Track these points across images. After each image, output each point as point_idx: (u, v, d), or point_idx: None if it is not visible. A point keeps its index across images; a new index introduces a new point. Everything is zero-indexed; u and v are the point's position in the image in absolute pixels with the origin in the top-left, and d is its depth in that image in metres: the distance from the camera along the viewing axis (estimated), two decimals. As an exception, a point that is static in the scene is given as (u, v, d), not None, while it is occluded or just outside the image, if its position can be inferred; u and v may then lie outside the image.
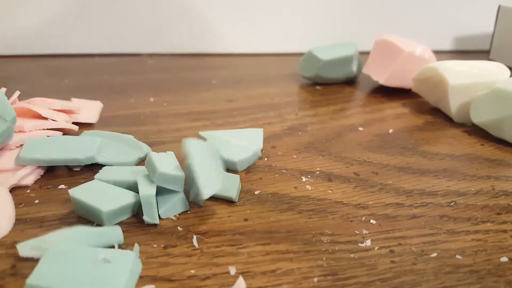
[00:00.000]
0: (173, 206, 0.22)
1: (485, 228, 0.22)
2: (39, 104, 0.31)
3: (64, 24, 0.48)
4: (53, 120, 0.29)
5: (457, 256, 0.20)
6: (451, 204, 0.24)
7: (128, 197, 0.22)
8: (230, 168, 0.26)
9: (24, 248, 0.19)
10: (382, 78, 0.40)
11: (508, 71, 0.34)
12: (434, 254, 0.20)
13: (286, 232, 0.21)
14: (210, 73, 0.45)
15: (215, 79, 0.43)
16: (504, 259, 0.20)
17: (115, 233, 0.20)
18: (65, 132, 0.29)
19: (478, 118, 0.32)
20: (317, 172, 0.26)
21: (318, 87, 0.42)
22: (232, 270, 0.19)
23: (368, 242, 0.21)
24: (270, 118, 0.34)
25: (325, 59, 0.40)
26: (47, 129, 0.28)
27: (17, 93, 0.30)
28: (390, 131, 0.33)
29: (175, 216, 0.22)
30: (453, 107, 0.34)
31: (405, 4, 0.55)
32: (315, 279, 0.18)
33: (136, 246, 0.19)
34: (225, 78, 0.43)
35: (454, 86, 0.33)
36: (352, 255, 0.20)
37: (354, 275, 0.19)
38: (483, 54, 0.53)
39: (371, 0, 0.54)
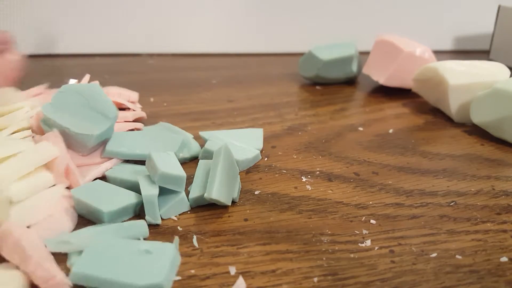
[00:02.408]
0: (174, 207, 0.22)
1: (485, 228, 0.22)
2: (113, 95, 0.32)
3: (64, 24, 0.48)
4: (133, 110, 0.31)
5: (457, 256, 0.20)
6: (451, 204, 0.24)
7: (130, 198, 0.22)
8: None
9: (53, 243, 0.19)
10: (382, 78, 0.40)
11: (508, 71, 0.34)
12: (434, 254, 0.20)
13: (286, 232, 0.21)
14: (210, 73, 0.45)
15: (215, 79, 0.43)
16: (504, 259, 0.20)
17: (141, 227, 0.20)
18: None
19: (478, 118, 0.32)
20: (317, 172, 0.26)
21: (318, 87, 0.42)
22: (232, 270, 0.18)
23: (368, 242, 0.21)
24: (270, 118, 0.34)
25: (325, 59, 0.40)
26: (129, 121, 0.29)
27: (87, 76, 0.31)
28: (390, 131, 0.33)
29: (176, 216, 0.22)
30: (453, 107, 0.34)
31: (405, 4, 0.55)
32: (315, 279, 0.18)
33: (176, 238, 0.19)
34: (225, 78, 0.43)
35: (454, 86, 0.33)
36: (352, 255, 0.20)
37: (354, 275, 0.19)
38: (483, 54, 0.53)
39: (371, 0, 0.54)
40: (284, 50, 0.54)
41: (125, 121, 0.29)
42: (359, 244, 0.20)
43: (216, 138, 0.28)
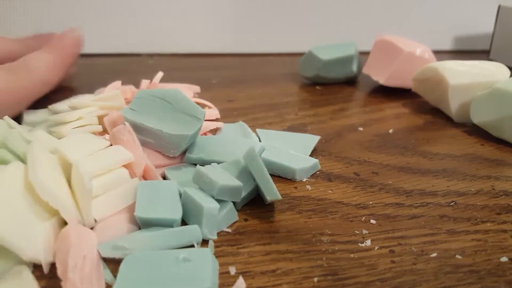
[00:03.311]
0: (225, 218, 0.21)
1: (485, 228, 0.22)
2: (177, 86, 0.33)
3: (64, 24, 0.48)
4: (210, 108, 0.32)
5: (457, 256, 0.20)
6: (451, 204, 0.24)
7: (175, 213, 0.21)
8: (287, 176, 0.25)
9: (106, 249, 0.18)
10: (382, 78, 0.40)
11: (508, 71, 0.34)
12: (434, 254, 0.20)
13: (286, 232, 0.21)
14: (210, 73, 0.45)
15: (215, 79, 0.43)
16: (504, 259, 0.20)
17: (195, 232, 0.20)
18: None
19: (478, 118, 0.32)
20: (317, 172, 0.26)
21: (318, 87, 0.42)
22: (232, 270, 0.18)
23: (368, 242, 0.21)
24: (270, 118, 0.34)
25: (325, 59, 0.40)
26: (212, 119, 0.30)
27: (160, 74, 0.33)
28: (390, 131, 0.33)
29: (228, 228, 0.21)
30: (453, 107, 0.34)
31: (405, 4, 0.55)
32: (315, 279, 0.18)
33: (211, 243, 0.19)
34: (225, 78, 0.43)
35: (454, 86, 0.33)
36: (352, 255, 0.20)
37: (354, 275, 0.19)
38: (483, 54, 0.53)
39: (371, 0, 0.54)
40: (284, 50, 0.54)
41: (207, 120, 0.30)
42: (359, 244, 0.20)
43: (269, 139, 0.29)
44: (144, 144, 0.25)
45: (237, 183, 0.21)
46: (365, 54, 0.43)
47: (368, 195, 0.24)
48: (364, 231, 0.21)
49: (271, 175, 0.23)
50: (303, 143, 0.29)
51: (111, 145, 0.24)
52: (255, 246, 0.20)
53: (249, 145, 0.26)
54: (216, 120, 0.32)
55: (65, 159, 0.21)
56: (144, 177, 0.23)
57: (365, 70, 0.42)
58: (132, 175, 0.23)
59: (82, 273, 0.17)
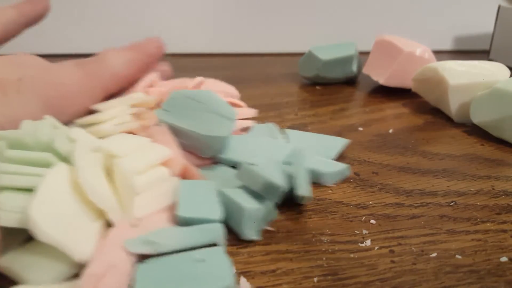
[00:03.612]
0: (265, 218, 0.21)
1: (485, 228, 0.22)
2: (213, 88, 0.32)
3: (64, 24, 0.48)
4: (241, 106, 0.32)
5: (457, 256, 0.20)
6: (451, 204, 0.24)
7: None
8: (314, 180, 0.25)
9: (135, 244, 0.18)
10: (382, 78, 0.40)
11: (508, 71, 0.34)
12: (434, 254, 0.20)
13: (286, 232, 0.21)
14: (210, 73, 0.45)
15: (215, 79, 0.43)
16: (504, 259, 0.20)
17: (217, 230, 0.19)
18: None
19: (478, 118, 0.32)
20: (317, 172, 0.26)
21: (318, 87, 0.42)
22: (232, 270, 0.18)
23: (368, 242, 0.21)
24: (270, 118, 0.34)
25: (325, 59, 0.40)
26: (244, 118, 0.30)
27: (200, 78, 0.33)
28: (390, 131, 0.33)
29: (268, 227, 0.21)
30: (453, 107, 0.34)
31: (405, 4, 0.55)
32: (315, 279, 0.18)
33: (221, 242, 0.19)
34: (225, 78, 0.43)
35: (454, 86, 0.33)
36: (352, 255, 0.20)
37: (354, 275, 0.19)
38: (483, 54, 0.53)
39: (371, 0, 0.54)
40: (284, 50, 0.54)
41: (239, 119, 0.30)
42: (359, 244, 0.20)
43: (297, 140, 0.29)
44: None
45: (281, 182, 0.21)
46: (365, 54, 0.43)
47: (368, 195, 0.24)
48: (364, 231, 0.21)
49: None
50: (330, 146, 0.29)
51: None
52: (255, 246, 0.20)
53: (278, 147, 0.26)
54: (249, 119, 0.32)
55: (107, 157, 0.21)
56: (183, 176, 0.23)
57: (365, 70, 0.42)
58: (170, 174, 0.22)
59: (102, 285, 0.16)
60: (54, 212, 0.17)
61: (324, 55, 0.40)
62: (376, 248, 0.20)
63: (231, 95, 0.34)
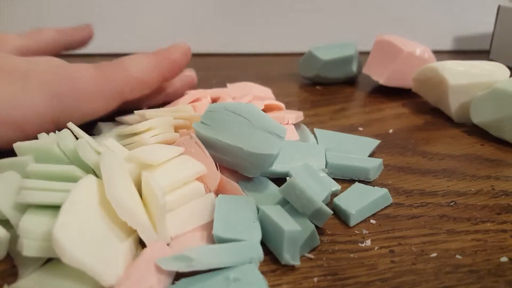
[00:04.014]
0: (308, 242, 0.20)
1: (485, 228, 0.22)
2: (242, 91, 0.32)
3: (63, 24, 0.48)
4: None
5: (457, 256, 0.20)
6: (451, 204, 0.24)
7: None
8: (360, 178, 0.25)
9: (168, 262, 0.17)
10: (382, 78, 0.40)
11: (508, 71, 0.34)
12: (434, 254, 0.20)
13: (286, 232, 0.21)
14: (210, 73, 0.45)
15: (215, 79, 0.43)
16: (504, 259, 0.20)
17: (255, 250, 0.18)
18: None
19: (478, 118, 0.32)
20: (317, 172, 0.26)
21: (318, 87, 0.42)
22: (232, 270, 0.18)
23: (368, 242, 0.21)
24: (270, 118, 0.34)
25: (325, 59, 0.40)
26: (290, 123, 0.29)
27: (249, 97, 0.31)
28: (390, 131, 0.33)
29: (310, 253, 0.20)
30: (453, 107, 0.34)
31: (405, 4, 0.55)
32: (315, 279, 0.18)
33: (256, 260, 0.18)
34: (225, 78, 0.43)
35: (454, 86, 0.33)
36: (352, 255, 0.20)
37: (354, 275, 0.19)
38: (483, 54, 0.53)
39: (371, 0, 0.54)
40: (284, 50, 0.54)
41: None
42: (359, 244, 0.20)
43: (326, 140, 0.28)
44: (218, 162, 0.23)
45: (330, 210, 0.20)
46: (365, 54, 0.43)
47: (368, 195, 0.24)
48: (364, 231, 0.21)
49: (340, 179, 0.24)
50: (360, 146, 0.28)
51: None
52: (255, 246, 0.20)
53: (316, 151, 0.26)
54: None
55: (139, 169, 0.20)
56: (220, 191, 0.22)
57: (365, 70, 0.42)
58: (206, 190, 0.21)
59: None
60: (80, 232, 0.16)
61: (324, 55, 0.40)
62: (376, 248, 0.20)
63: (267, 98, 0.33)
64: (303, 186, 0.20)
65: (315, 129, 0.30)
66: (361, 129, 0.33)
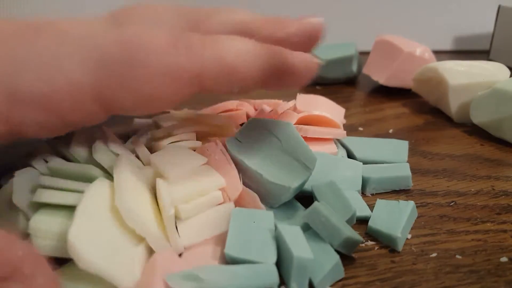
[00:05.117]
0: (331, 274, 0.18)
1: (485, 228, 0.22)
2: (309, 105, 0.28)
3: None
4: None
5: (457, 256, 0.20)
6: (451, 204, 0.24)
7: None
8: (401, 188, 0.25)
9: (177, 280, 0.16)
10: (382, 78, 0.40)
11: (508, 71, 0.34)
12: (434, 254, 0.20)
13: (286, 232, 0.21)
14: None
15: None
16: (504, 259, 0.20)
17: (271, 274, 0.17)
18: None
19: (478, 118, 0.32)
20: (317, 172, 0.26)
21: (318, 87, 0.42)
22: (232, 270, 0.18)
23: (368, 242, 0.21)
24: (270, 118, 0.34)
25: (325, 59, 0.40)
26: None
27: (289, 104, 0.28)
28: (390, 131, 0.33)
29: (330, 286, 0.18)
30: (453, 107, 0.34)
31: (405, 4, 0.55)
32: (315, 279, 0.18)
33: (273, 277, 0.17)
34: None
35: (454, 86, 0.33)
36: (352, 255, 0.20)
37: (354, 275, 0.19)
38: (483, 54, 0.53)
39: (371, 0, 0.54)
40: (284, 50, 0.54)
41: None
42: (359, 244, 0.20)
43: (356, 148, 0.27)
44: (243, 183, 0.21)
45: (358, 237, 0.19)
46: (365, 54, 0.43)
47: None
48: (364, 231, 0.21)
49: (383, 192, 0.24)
50: (393, 150, 0.27)
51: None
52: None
53: (349, 167, 0.24)
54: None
55: (156, 174, 0.19)
56: (239, 202, 0.20)
57: (365, 70, 0.42)
58: (225, 199, 0.20)
59: None
60: (95, 236, 0.16)
61: (324, 55, 0.40)
62: (376, 248, 0.20)
63: (336, 118, 0.29)
64: (328, 214, 0.18)
65: (345, 138, 0.28)
66: (361, 129, 0.33)
